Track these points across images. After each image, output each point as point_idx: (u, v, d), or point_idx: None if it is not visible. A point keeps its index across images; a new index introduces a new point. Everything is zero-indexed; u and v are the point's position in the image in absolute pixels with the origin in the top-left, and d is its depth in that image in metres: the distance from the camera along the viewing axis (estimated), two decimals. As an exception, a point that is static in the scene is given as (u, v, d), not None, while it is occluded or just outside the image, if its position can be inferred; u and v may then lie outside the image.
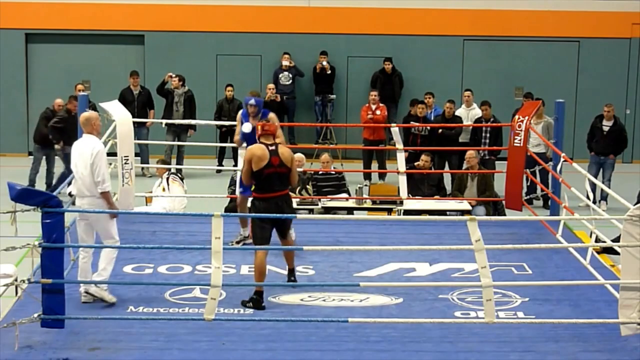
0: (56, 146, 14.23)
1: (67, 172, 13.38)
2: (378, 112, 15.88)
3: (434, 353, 7.40)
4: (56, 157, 14.48)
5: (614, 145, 14.23)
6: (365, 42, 18.36)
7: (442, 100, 15.52)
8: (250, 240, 9.43)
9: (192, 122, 14.86)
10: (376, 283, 8.91)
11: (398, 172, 12.04)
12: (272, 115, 9.57)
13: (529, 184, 12.45)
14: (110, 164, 11.36)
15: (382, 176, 15.93)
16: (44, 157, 14.55)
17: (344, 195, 12.37)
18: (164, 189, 11.54)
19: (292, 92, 17.82)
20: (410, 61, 18.26)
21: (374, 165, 16.07)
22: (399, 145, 12.00)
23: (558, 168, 10.94)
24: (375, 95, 16.00)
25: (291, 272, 8.85)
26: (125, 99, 15.70)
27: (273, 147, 8.54)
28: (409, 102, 16.05)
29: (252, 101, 9.66)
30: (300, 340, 7.59)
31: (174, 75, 16.25)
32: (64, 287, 7.46)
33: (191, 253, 9.70)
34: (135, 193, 10.45)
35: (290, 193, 11.96)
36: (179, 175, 12.20)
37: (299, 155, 12.65)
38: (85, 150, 8.26)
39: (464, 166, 12.99)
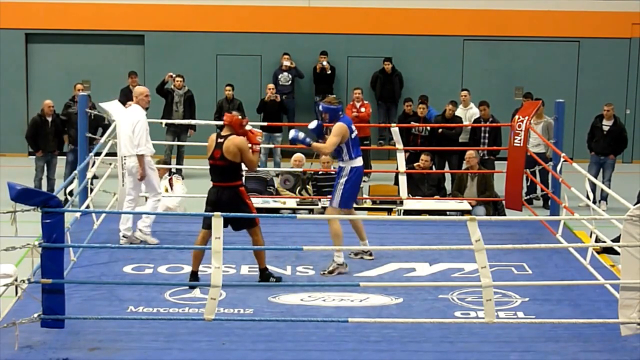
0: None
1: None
2: (362, 109, 15.92)
3: (434, 353, 7.39)
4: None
5: (614, 145, 14.22)
6: (365, 42, 18.36)
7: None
8: (370, 257, 9.63)
9: (192, 122, 14.83)
10: (376, 283, 8.90)
11: (398, 172, 12.04)
12: (338, 124, 9.24)
13: (529, 184, 12.44)
14: (110, 163, 11.42)
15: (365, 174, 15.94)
16: (45, 165, 14.12)
17: (344, 195, 12.34)
18: (166, 189, 11.52)
19: (292, 92, 17.82)
20: (410, 61, 18.26)
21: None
22: (399, 145, 12.00)
23: (558, 168, 10.94)
24: (359, 94, 16.14)
25: (262, 272, 8.79)
26: (128, 97, 15.65)
27: (221, 140, 8.58)
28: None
29: (320, 107, 9.45)
30: (300, 340, 7.58)
31: (174, 75, 16.23)
32: (64, 287, 7.46)
33: (191, 253, 9.66)
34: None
35: (290, 193, 12.14)
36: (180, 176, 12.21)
37: (298, 155, 12.66)
38: (132, 117, 9.94)
39: (464, 166, 12.98)
